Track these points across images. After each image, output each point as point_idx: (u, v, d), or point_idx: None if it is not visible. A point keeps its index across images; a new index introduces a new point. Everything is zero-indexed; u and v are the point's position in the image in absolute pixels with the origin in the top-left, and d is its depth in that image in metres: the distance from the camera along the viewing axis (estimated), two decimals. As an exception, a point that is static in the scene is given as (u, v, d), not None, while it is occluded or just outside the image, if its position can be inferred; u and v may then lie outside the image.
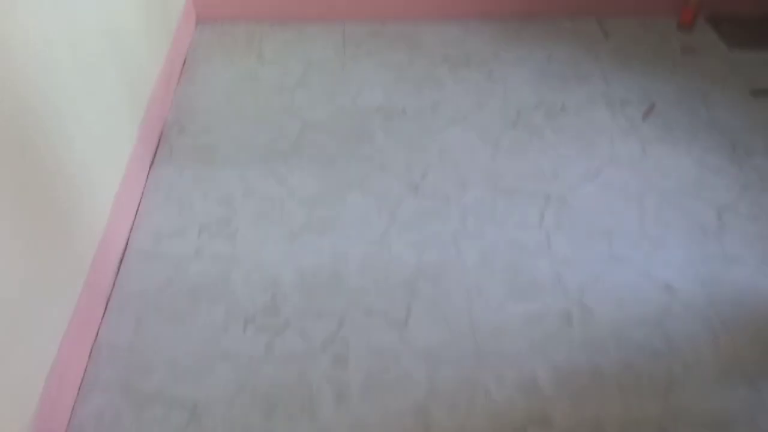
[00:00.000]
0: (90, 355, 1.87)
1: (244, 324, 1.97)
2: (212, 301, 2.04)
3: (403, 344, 1.94)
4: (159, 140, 2.63)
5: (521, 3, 3.40)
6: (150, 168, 2.50)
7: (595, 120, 2.77)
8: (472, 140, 2.66)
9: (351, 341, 1.94)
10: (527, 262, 2.17)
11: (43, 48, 1.63)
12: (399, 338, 1.95)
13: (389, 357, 1.90)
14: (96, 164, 1.98)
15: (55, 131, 1.69)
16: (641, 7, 3.44)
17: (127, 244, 2.21)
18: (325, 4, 3.36)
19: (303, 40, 3.28)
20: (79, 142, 1.86)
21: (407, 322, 2.00)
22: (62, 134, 1.74)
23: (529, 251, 2.21)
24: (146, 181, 2.44)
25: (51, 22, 1.68)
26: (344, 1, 3.34)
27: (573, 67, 3.09)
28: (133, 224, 2.27)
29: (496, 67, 3.11)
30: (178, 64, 2.99)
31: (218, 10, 3.37)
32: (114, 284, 2.08)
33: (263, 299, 2.04)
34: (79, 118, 1.86)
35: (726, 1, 3.42)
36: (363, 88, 2.94)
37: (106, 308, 2.00)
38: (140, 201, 2.36)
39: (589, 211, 2.35)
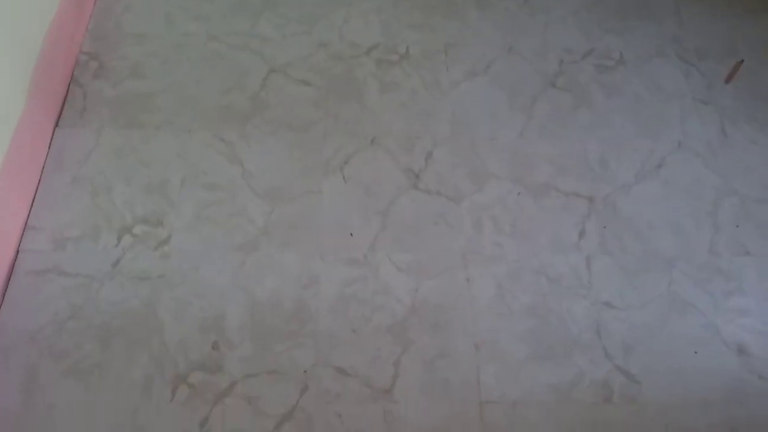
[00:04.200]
0: (-41, 431, 1.38)
1: (173, 388, 1.46)
2: (131, 349, 1.50)
3: (385, 425, 1.45)
4: (67, 88, 1.91)
5: None
6: (52, 133, 1.81)
7: (662, 79, 2.06)
8: (496, 103, 1.97)
9: (314, 420, 1.44)
10: (559, 304, 1.62)
11: None
12: (381, 416, 1.46)
13: (366, 446, 1.42)
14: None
15: None
16: None
17: (15, 256, 1.61)
18: None
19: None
20: None
21: (392, 392, 1.49)
22: None
23: (563, 286, 1.65)
24: (46, 156, 1.77)
25: None
26: None
27: (638, -5, 2.28)
28: (25, 223, 1.66)
29: (535, -13, 2.29)
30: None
31: None
32: (-2, 315, 1.53)
33: (201, 350, 1.51)
34: None
35: None
36: (352, 16, 2.15)
37: (-16, 354, 1.47)
38: (36, 187, 1.72)
39: (645, 224, 1.76)
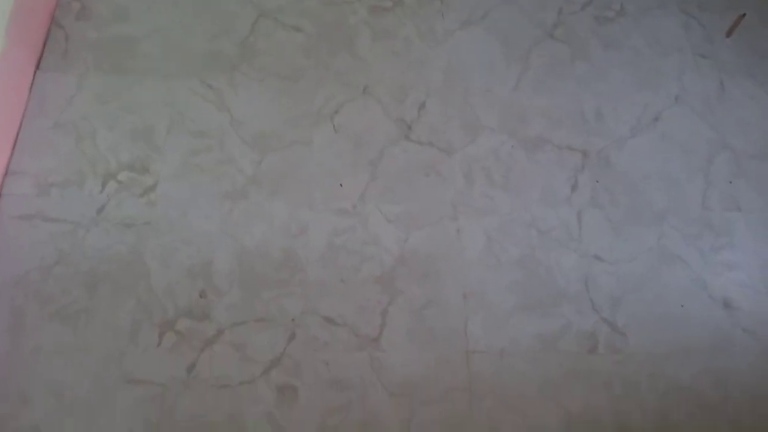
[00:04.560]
0: (-54, 372, 1.38)
1: (161, 334, 1.45)
2: (118, 295, 1.49)
3: (372, 372, 1.46)
4: (48, 30, 1.84)
5: None
6: (33, 76, 1.76)
7: (662, 32, 2.01)
8: (491, 54, 1.92)
9: (301, 367, 1.45)
10: (548, 256, 1.62)
11: None
12: (368, 363, 1.47)
13: (352, 391, 1.43)
14: None
15: None
16: None
17: (-2, 199, 1.58)
18: None
19: None
20: None
21: (379, 341, 1.50)
22: None
23: (553, 239, 1.64)
24: (27, 99, 1.72)
25: None
26: None
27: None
28: (6, 167, 1.62)
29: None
30: None
31: None
32: (-18, 260, 1.51)
33: (188, 297, 1.50)
34: None
35: None
36: (346, -41, 2.07)
37: (-31, 299, 1.46)
38: (18, 131, 1.68)
39: (638, 178, 1.74)
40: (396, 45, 1.91)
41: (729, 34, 2.02)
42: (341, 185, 1.68)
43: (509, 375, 1.48)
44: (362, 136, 1.76)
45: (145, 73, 1.79)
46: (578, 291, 1.58)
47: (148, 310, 1.47)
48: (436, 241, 1.63)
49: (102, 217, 1.57)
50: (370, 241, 1.62)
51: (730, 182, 1.75)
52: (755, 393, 1.49)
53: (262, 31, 1.90)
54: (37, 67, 1.76)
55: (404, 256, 1.60)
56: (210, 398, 1.40)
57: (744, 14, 2.04)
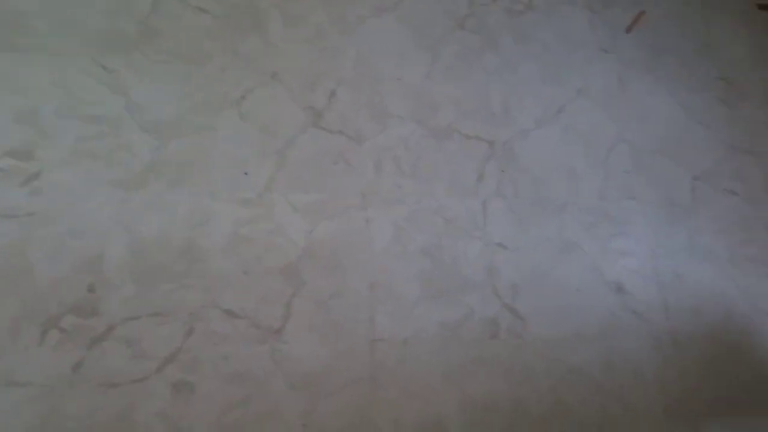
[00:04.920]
0: None
1: (43, 332, 1.36)
2: (-4, 291, 1.39)
3: (274, 365, 1.43)
4: None
5: None
6: None
7: (570, 27, 2.07)
8: (403, 42, 1.91)
9: (199, 361, 1.40)
10: (454, 245, 1.64)
11: None
12: (269, 356, 1.44)
13: (252, 385, 1.40)
14: None
15: None
16: None
17: None
18: None
19: None
20: None
21: (282, 333, 1.47)
22: None
23: (459, 227, 1.67)
24: None
25: None
26: None
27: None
28: None
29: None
30: None
31: None
32: None
33: (77, 291, 1.42)
34: None
35: None
36: (255, -61, 1.99)
37: None
38: None
39: (542, 168, 1.79)
40: (307, 31, 1.87)
41: (629, 30, 2.10)
42: (246, 174, 1.63)
43: (413, 363, 1.50)
44: (270, 124, 1.71)
45: (33, 51, 1.66)
46: (482, 279, 1.62)
47: (29, 307, 1.38)
48: (344, 232, 1.62)
49: (-22, 207, 1.45)
50: (276, 232, 1.58)
51: (627, 173, 1.83)
52: (641, 372, 1.58)
53: (165, 11, 1.80)
54: None
55: (310, 247, 1.58)
56: (98, 398, 1.33)
57: (643, 11, 2.14)
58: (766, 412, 1.64)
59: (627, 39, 2.08)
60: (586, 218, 1.74)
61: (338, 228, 1.61)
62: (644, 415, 1.55)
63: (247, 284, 1.51)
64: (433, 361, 1.51)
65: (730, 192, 1.87)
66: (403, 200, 1.68)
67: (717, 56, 2.11)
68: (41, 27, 1.69)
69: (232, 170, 1.63)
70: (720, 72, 2.06)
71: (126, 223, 1.51)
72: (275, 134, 1.70)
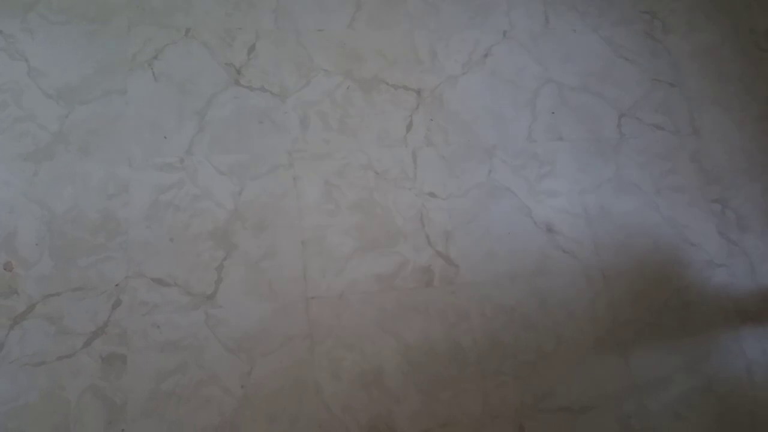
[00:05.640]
0: None
1: (-43, 316, 1.31)
2: None
3: (208, 330, 1.42)
4: None
5: None
6: None
7: (493, -33, 2.02)
8: (324, -9, 1.84)
9: (129, 333, 1.38)
10: (385, 197, 1.64)
11: None
12: (203, 322, 1.42)
13: (186, 352, 1.39)
14: None
15: None
16: None
17: None
18: None
19: None
20: None
21: (215, 297, 1.45)
22: None
23: (390, 179, 1.66)
24: None
25: None
26: None
27: None
28: None
29: None
30: None
31: None
32: None
33: (-12, 273, 1.36)
34: None
35: None
36: None
37: None
38: None
39: (470, 115, 1.79)
40: (220, -19, 1.77)
41: (555, -32, 2.07)
42: (165, 137, 1.57)
43: (348, 316, 1.51)
44: (186, 83, 1.63)
45: None
46: (414, 229, 1.62)
47: (-62, 292, 1.31)
48: (272, 191, 1.58)
49: None
50: (201, 196, 1.54)
51: (553, 113, 1.84)
52: (572, 307, 1.63)
53: (61, -33, 1.67)
54: None
55: (238, 209, 1.55)
56: (24, 378, 1.30)
57: (569, -52, 2.10)
58: (693, 334, 1.73)
59: (552, -23, 2.06)
60: (515, 161, 1.76)
61: (266, 188, 1.58)
62: (576, 349, 1.62)
63: (174, 251, 1.47)
64: (369, 313, 1.52)
65: (656, 126, 1.91)
66: (332, 155, 1.65)
67: (641, -9, 2.12)
68: None
69: (148, 135, 1.56)
70: (644, 4, 2.07)
71: (37, 198, 1.43)
72: (194, 94, 1.63)
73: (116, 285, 1.41)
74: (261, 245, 1.53)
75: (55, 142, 1.49)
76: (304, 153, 1.64)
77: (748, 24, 2.13)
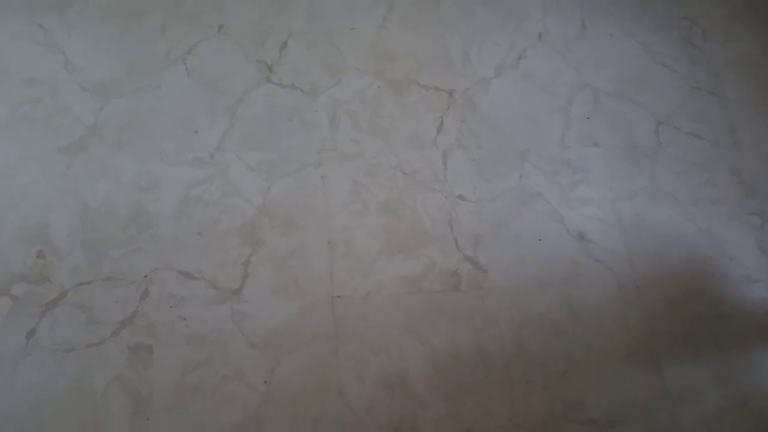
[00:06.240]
0: None
1: (-10, 303, 1.33)
2: (-63, 264, 1.34)
3: (234, 325, 1.42)
4: None
5: None
6: None
7: (529, -30, 2.00)
8: (357, -9, 1.84)
9: (156, 324, 1.38)
10: (414, 199, 1.62)
11: None
12: (229, 316, 1.42)
13: (212, 346, 1.39)
14: None
15: None
16: None
17: None
18: None
19: None
20: None
21: (241, 292, 1.45)
22: None
23: (420, 180, 1.64)
24: None
25: None
26: None
27: None
28: None
29: None
30: None
31: None
32: None
33: (23, 262, 1.37)
34: None
35: None
36: None
37: None
38: None
39: (502, 118, 1.76)
40: (255, -19, 1.78)
41: (591, -28, 2.04)
42: (196, 132, 1.58)
43: (374, 317, 1.49)
44: (219, 80, 1.65)
45: (-39, 12, 1.56)
46: (443, 232, 1.60)
47: (-27, 278, 1.34)
48: (301, 189, 1.58)
49: None
50: (231, 192, 1.54)
51: (588, 119, 1.81)
52: (604, 317, 1.59)
53: (102, -36, 1.70)
54: None
55: (267, 206, 1.55)
56: (53, 365, 1.31)
57: (606, -48, 2.07)
58: (728, 348, 1.67)
59: (589, -19, 2.02)
60: (548, 166, 1.72)
61: (295, 186, 1.58)
62: (607, 359, 1.57)
63: (202, 246, 1.47)
64: (395, 315, 1.50)
65: (695, 135, 1.86)
66: (361, 155, 1.64)
67: (680, -4, 2.07)
68: (-32, -15, 1.59)
69: (180, 130, 1.57)
70: (682, 11, 2.02)
71: (70, 190, 1.45)
72: (225, 91, 1.64)
73: (145, 276, 1.42)
74: (288, 243, 1.52)
75: (89, 135, 1.51)
76: (333, 152, 1.63)
77: (792, 32, 2.07)
